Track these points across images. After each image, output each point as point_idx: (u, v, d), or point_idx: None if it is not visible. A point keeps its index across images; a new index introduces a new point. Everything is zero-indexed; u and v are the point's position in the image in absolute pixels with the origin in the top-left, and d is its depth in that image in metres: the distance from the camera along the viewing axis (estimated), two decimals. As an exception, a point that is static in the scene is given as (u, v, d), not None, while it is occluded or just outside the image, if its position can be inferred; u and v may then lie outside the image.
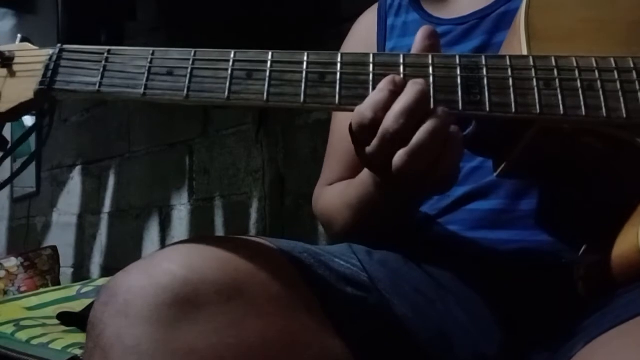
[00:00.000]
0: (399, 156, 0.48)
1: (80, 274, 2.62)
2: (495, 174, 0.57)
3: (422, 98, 0.48)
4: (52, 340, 1.27)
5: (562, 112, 0.48)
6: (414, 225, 0.66)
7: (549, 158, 0.53)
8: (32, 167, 3.00)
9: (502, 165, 0.55)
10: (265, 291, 0.49)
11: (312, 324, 0.52)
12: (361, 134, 0.50)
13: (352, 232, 0.67)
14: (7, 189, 3.28)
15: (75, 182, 2.78)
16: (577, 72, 0.50)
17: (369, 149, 0.50)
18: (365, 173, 0.61)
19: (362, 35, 0.81)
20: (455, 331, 0.58)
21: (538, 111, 0.49)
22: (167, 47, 0.55)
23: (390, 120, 0.48)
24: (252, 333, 0.46)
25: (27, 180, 3.04)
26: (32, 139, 2.98)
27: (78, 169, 2.76)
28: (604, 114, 0.48)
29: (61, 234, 2.79)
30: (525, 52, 0.52)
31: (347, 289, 0.56)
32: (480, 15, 0.69)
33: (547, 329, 0.56)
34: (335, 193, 0.74)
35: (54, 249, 2.40)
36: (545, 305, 0.57)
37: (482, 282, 0.59)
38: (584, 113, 0.48)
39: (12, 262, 2.25)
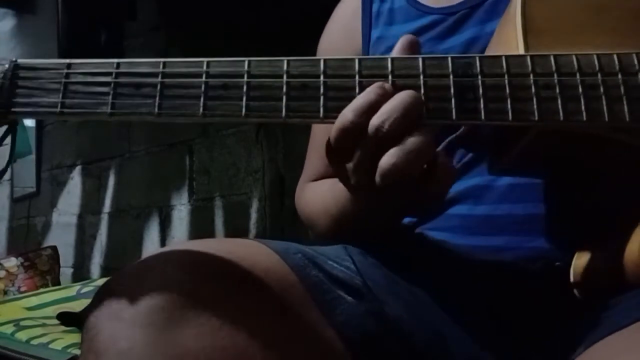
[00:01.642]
0: (390, 155, 0.44)
1: (80, 274, 2.63)
2: (489, 171, 0.56)
3: (418, 101, 0.45)
4: (52, 340, 1.27)
5: (562, 117, 0.46)
6: (405, 234, 0.65)
7: (546, 159, 0.52)
8: (32, 167, 3.00)
9: (497, 163, 0.54)
10: (260, 293, 0.49)
11: (309, 324, 0.51)
12: (343, 141, 0.46)
13: (332, 237, 0.66)
14: (7, 189, 3.29)
15: (75, 182, 2.78)
16: (578, 75, 0.47)
17: (351, 162, 0.47)
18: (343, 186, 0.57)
19: (345, 22, 0.75)
20: (452, 334, 0.58)
21: (537, 118, 0.46)
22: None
23: (380, 118, 0.44)
24: (247, 335, 0.46)
25: (27, 180, 3.05)
26: (32, 138, 2.99)
27: (78, 169, 2.76)
28: (606, 118, 0.46)
29: (61, 234, 2.80)
30: (521, 48, 0.48)
31: (340, 292, 0.55)
32: (473, 4, 0.63)
33: (544, 334, 0.55)
34: (316, 195, 0.72)
35: (54, 249, 2.40)
36: (543, 311, 0.56)
37: (477, 287, 0.59)
38: (584, 118, 0.46)
39: (12, 262, 2.26)
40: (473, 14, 0.63)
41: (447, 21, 0.65)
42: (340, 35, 0.75)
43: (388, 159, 0.44)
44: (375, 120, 0.44)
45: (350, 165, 0.47)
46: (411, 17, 0.68)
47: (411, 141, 0.44)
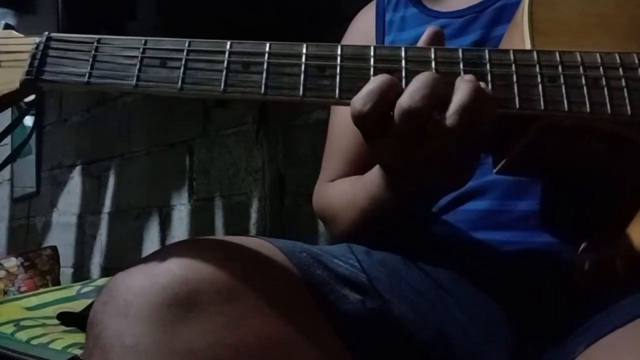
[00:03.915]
0: (449, 117, 0.45)
1: (80, 274, 2.63)
2: (495, 170, 0.56)
3: (437, 78, 0.47)
4: (52, 340, 1.27)
5: (566, 108, 0.48)
6: (422, 225, 0.65)
7: (551, 155, 0.53)
8: (32, 167, 3.00)
9: (503, 162, 0.54)
10: (265, 291, 0.49)
11: (311, 323, 0.51)
12: (362, 126, 0.48)
13: (357, 232, 0.66)
14: (7, 189, 3.28)
15: (75, 182, 2.78)
16: (581, 68, 0.49)
17: (380, 143, 0.48)
18: (376, 173, 0.59)
19: (361, 31, 0.81)
20: (455, 332, 0.58)
21: (542, 107, 0.48)
22: None
23: (406, 99, 0.46)
24: (251, 333, 0.46)
25: (27, 180, 3.05)
26: (32, 138, 2.98)
27: (78, 169, 2.76)
28: (609, 111, 0.48)
29: (61, 234, 2.79)
30: (528, 47, 0.51)
31: (346, 290, 0.56)
32: (478, 9, 0.68)
33: (547, 330, 0.56)
34: (340, 191, 0.73)
35: (54, 249, 2.40)
36: (546, 306, 0.57)
37: (481, 284, 0.59)
38: (588, 110, 0.48)
39: (12, 262, 2.25)
40: (479, 18, 0.67)
41: (454, 24, 0.69)
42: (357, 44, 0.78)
43: (450, 121, 0.46)
44: (403, 103, 0.46)
45: (384, 145, 0.49)
46: (422, 23, 0.72)
47: (460, 97, 0.46)
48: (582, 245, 0.53)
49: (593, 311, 0.50)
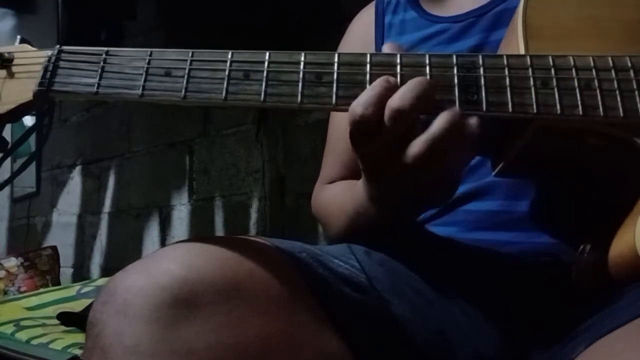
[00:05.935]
0: (415, 145, 0.47)
1: (80, 274, 2.63)
2: (493, 173, 0.57)
3: (429, 83, 0.49)
4: (52, 340, 1.27)
5: (559, 111, 0.48)
6: (410, 231, 0.66)
7: (547, 157, 0.54)
8: (32, 167, 3.00)
9: (500, 165, 0.55)
10: (264, 291, 0.49)
11: (311, 323, 0.51)
12: (358, 132, 0.49)
13: (346, 236, 0.67)
14: (7, 189, 3.28)
15: (75, 182, 2.78)
16: (574, 71, 0.50)
17: (373, 147, 0.50)
18: (362, 184, 0.60)
19: (360, 33, 0.81)
20: (454, 332, 0.58)
21: (535, 111, 0.49)
22: (166, 47, 0.55)
23: (397, 101, 0.47)
24: (250, 333, 0.46)
25: (27, 180, 3.04)
26: (32, 139, 2.99)
27: (78, 169, 2.76)
28: (601, 114, 0.48)
29: (61, 234, 2.80)
30: (522, 51, 0.52)
31: (345, 290, 0.56)
32: (478, 13, 0.68)
33: (547, 330, 0.56)
34: (332, 196, 0.74)
35: (54, 249, 2.40)
36: (545, 307, 0.57)
37: (480, 284, 0.59)
38: (581, 112, 0.48)
39: (12, 262, 2.25)
40: (478, 23, 0.68)
41: (453, 29, 0.69)
42: (356, 47, 0.79)
43: (413, 148, 0.48)
44: (393, 103, 0.48)
45: (372, 150, 0.50)
46: (421, 27, 0.72)
47: (435, 128, 0.47)
48: (582, 246, 0.53)
49: (593, 311, 0.51)
